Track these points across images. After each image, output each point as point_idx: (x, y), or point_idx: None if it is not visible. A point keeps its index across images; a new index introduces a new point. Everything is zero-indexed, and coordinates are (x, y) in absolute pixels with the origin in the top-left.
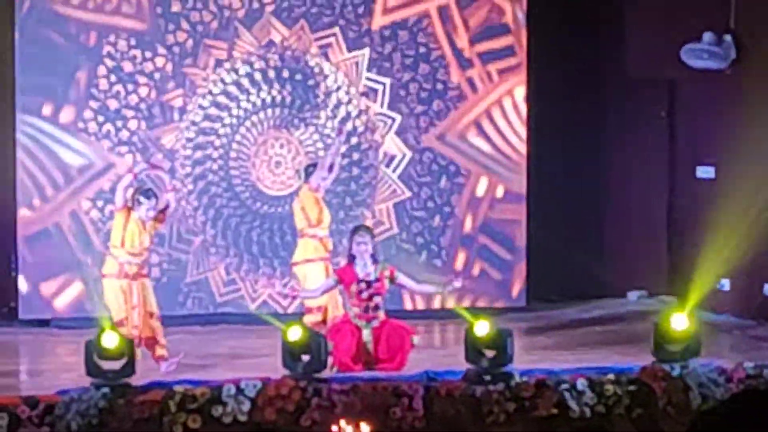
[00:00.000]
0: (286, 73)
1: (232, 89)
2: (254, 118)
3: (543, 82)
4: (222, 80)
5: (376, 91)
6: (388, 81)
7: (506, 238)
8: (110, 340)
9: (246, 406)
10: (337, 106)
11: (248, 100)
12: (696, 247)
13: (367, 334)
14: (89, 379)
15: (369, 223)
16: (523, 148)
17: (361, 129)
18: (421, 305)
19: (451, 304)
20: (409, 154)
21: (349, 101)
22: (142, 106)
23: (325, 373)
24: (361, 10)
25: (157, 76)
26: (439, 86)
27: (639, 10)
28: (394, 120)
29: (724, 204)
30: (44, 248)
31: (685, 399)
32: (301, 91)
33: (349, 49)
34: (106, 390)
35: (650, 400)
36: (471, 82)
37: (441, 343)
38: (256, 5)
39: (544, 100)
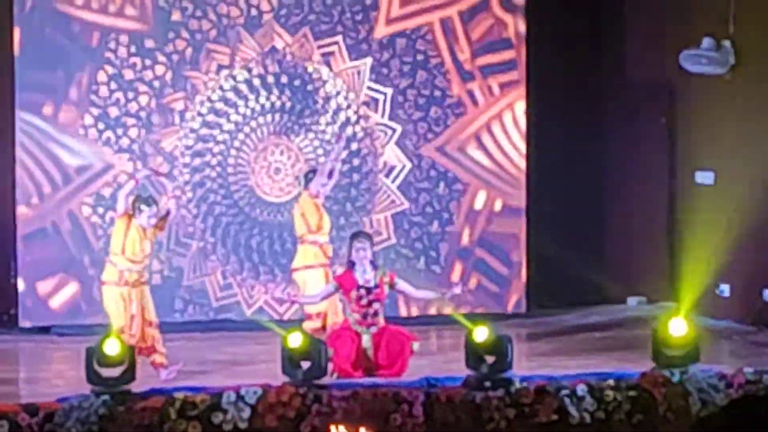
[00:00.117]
0: (286, 80)
1: (233, 95)
2: (253, 123)
3: (543, 92)
4: (221, 87)
5: (377, 100)
6: (389, 91)
7: (503, 252)
8: (112, 347)
9: (246, 413)
10: (337, 114)
11: (247, 106)
12: (695, 253)
13: (366, 340)
14: (89, 387)
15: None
16: (522, 163)
17: (361, 137)
18: (416, 312)
19: (449, 310)
20: (408, 164)
21: (349, 109)
22: (143, 113)
23: (325, 380)
24: (364, 19)
25: (156, 84)
26: (440, 98)
27: (638, 16)
28: (394, 130)
29: (723, 209)
30: (41, 247)
31: (684, 405)
32: (300, 97)
33: (352, 58)
34: (106, 397)
35: (650, 405)
36: (472, 95)
37: (439, 349)
38: (259, 12)
39: (543, 108)
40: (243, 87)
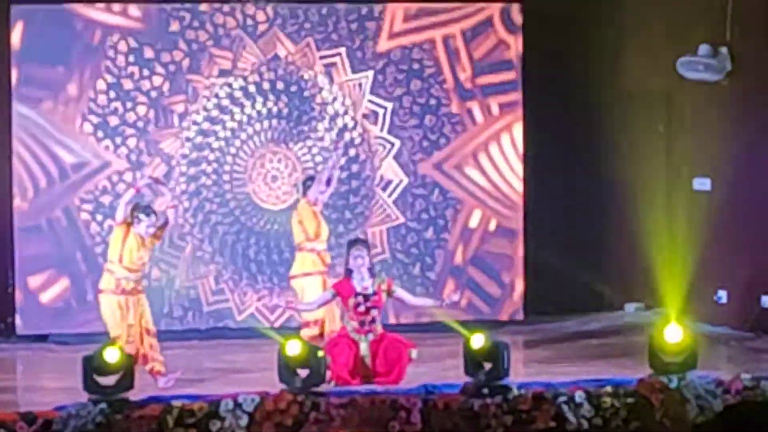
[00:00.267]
0: (284, 87)
1: (233, 100)
2: (249, 130)
3: (540, 101)
4: (216, 95)
5: (377, 114)
6: (389, 105)
7: (495, 272)
8: (111, 356)
9: (244, 420)
10: (335, 123)
11: (243, 112)
12: (693, 259)
13: (364, 348)
14: (87, 395)
15: None
16: (520, 178)
17: (359, 150)
18: (407, 320)
19: (446, 318)
20: (405, 179)
21: (349, 119)
22: (140, 123)
23: (323, 388)
24: (368, 32)
25: (157, 85)
26: (440, 115)
27: (635, 23)
28: (393, 145)
29: (720, 216)
30: (35, 242)
31: (682, 411)
32: (298, 104)
33: (353, 71)
34: (103, 405)
35: (647, 412)
36: (471, 114)
37: (437, 356)
38: (255, 22)
39: (541, 121)
40: (243, 93)
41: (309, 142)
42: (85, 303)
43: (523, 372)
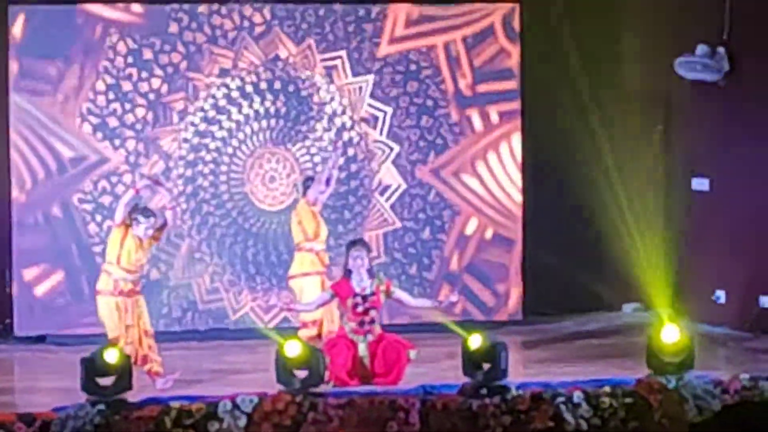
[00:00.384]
0: (287, 88)
1: (231, 100)
2: (247, 129)
3: (538, 103)
4: (214, 96)
5: (376, 118)
6: (389, 110)
7: (490, 280)
8: (111, 357)
9: (242, 421)
10: (334, 123)
11: (240, 112)
12: (691, 260)
13: (363, 349)
14: (85, 396)
15: None
16: (518, 188)
17: (358, 155)
18: (408, 320)
19: (444, 318)
20: (403, 185)
21: (348, 123)
22: (142, 113)
23: (321, 388)
24: (369, 36)
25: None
26: (439, 121)
27: (633, 24)
28: (392, 149)
29: (719, 216)
30: (31, 234)
31: (680, 411)
32: (296, 104)
33: (354, 74)
34: (102, 406)
35: (646, 412)
36: (470, 121)
37: (435, 357)
38: (266, 19)
39: (539, 120)
40: (240, 93)
41: (307, 143)
42: (80, 297)
43: (522, 372)
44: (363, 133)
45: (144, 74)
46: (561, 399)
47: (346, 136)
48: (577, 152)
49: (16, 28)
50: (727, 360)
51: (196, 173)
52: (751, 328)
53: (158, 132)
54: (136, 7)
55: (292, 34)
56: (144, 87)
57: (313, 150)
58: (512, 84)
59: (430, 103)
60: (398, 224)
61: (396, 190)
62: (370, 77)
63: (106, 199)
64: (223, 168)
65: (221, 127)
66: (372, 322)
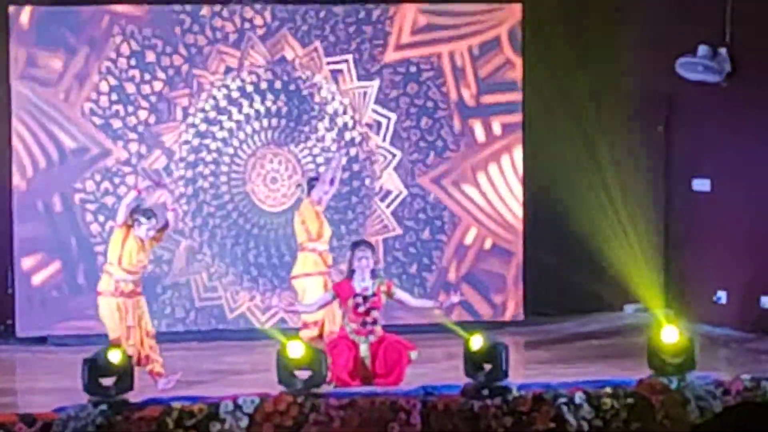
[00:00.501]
0: (288, 88)
1: (232, 100)
2: (248, 129)
3: (538, 103)
4: (213, 96)
5: (380, 123)
6: (393, 116)
7: (489, 291)
8: (114, 357)
9: (244, 422)
10: (336, 123)
11: (240, 112)
12: (692, 260)
13: (364, 349)
14: (86, 397)
15: None
16: (519, 200)
17: (361, 159)
18: (409, 321)
19: (445, 319)
20: (404, 191)
21: (352, 127)
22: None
23: (323, 389)
24: (375, 42)
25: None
26: (442, 130)
27: (634, 24)
28: (394, 156)
29: (720, 216)
30: (30, 223)
31: (682, 412)
32: (298, 104)
33: (359, 79)
34: (103, 407)
35: (648, 413)
36: (472, 132)
37: (434, 358)
38: (273, 19)
39: (539, 122)
40: (241, 93)
41: (310, 143)
42: (77, 288)
43: (523, 373)
44: (365, 134)
45: (147, 76)
46: (562, 400)
47: (348, 136)
48: (579, 153)
49: (23, 17)
50: (728, 361)
51: (196, 174)
52: (753, 329)
53: (161, 128)
54: (143, 6)
55: (300, 36)
56: (148, 88)
57: (316, 150)
58: (516, 96)
59: (433, 111)
60: (398, 230)
61: (397, 196)
62: (376, 83)
63: (109, 200)
64: (224, 168)
65: (222, 128)
66: (373, 322)
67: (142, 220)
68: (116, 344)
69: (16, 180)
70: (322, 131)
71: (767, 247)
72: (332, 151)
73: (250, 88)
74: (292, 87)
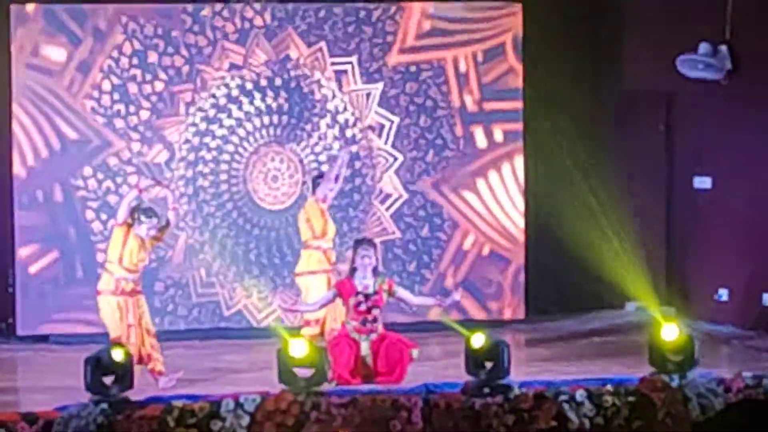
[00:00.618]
0: (289, 85)
1: (233, 99)
2: (249, 126)
3: (539, 102)
4: (214, 95)
5: (382, 126)
6: (395, 119)
7: (485, 298)
8: (117, 356)
9: (245, 420)
10: (338, 121)
11: (240, 109)
12: (693, 258)
13: (365, 348)
14: (87, 395)
15: None
16: (520, 211)
17: (362, 161)
18: (410, 319)
19: (447, 317)
20: (405, 195)
21: (355, 128)
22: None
23: (324, 387)
24: (380, 44)
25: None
26: (443, 135)
27: (635, 22)
28: (395, 159)
29: (721, 214)
30: (29, 213)
31: (684, 410)
32: (299, 101)
33: (363, 81)
34: (104, 406)
35: (649, 411)
36: (473, 138)
37: (435, 356)
38: (252, 25)
39: (538, 117)
40: (241, 91)
41: (311, 141)
42: (74, 279)
43: (524, 371)
44: (368, 140)
45: (148, 76)
46: (564, 398)
47: (349, 133)
48: (581, 153)
49: (29, 6)
50: (730, 358)
51: (196, 174)
52: (755, 326)
53: (163, 122)
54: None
55: (305, 36)
56: (149, 87)
57: (318, 149)
58: (519, 104)
59: (435, 115)
60: (397, 234)
61: (397, 199)
62: (379, 85)
63: (112, 198)
64: (224, 166)
65: (221, 126)
66: (374, 321)
67: (143, 218)
68: (117, 343)
69: (17, 168)
70: (324, 128)
71: None
72: (334, 148)
73: (249, 86)
74: (293, 84)
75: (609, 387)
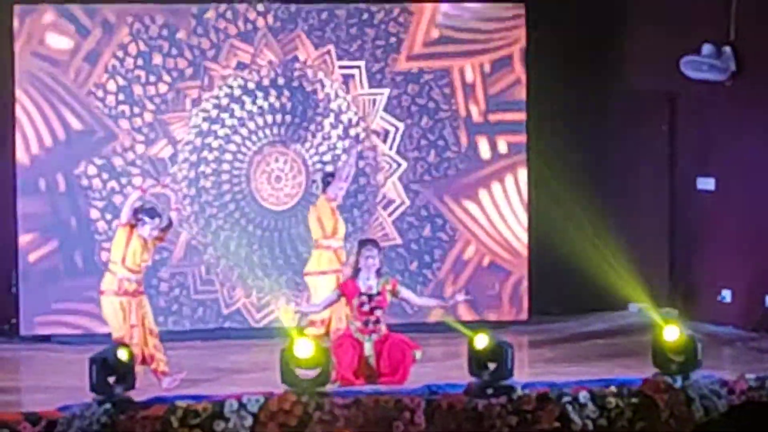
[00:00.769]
0: (291, 85)
1: (235, 98)
2: (251, 125)
3: (543, 103)
4: (217, 96)
5: (387, 132)
6: (401, 126)
7: (482, 309)
8: (123, 356)
9: (248, 421)
10: (341, 120)
11: (244, 109)
12: (696, 259)
13: (368, 348)
14: (91, 395)
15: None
16: (524, 226)
17: (366, 165)
18: (414, 319)
19: (450, 318)
20: (407, 202)
21: (361, 133)
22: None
23: (327, 388)
24: (388, 49)
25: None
26: (447, 144)
27: (639, 23)
28: (399, 165)
29: (724, 215)
30: (30, 201)
31: (687, 411)
32: (302, 100)
33: (370, 86)
34: (108, 406)
35: (652, 412)
36: (477, 148)
37: (438, 357)
38: (255, 27)
39: (543, 117)
40: (243, 91)
41: (315, 141)
42: (74, 270)
43: (527, 372)
44: (372, 146)
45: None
46: (567, 399)
47: (352, 131)
48: (583, 153)
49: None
50: (733, 360)
51: (198, 174)
52: (757, 328)
53: (169, 117)
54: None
55: (314, 38)
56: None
57: (323, 148)
58: (523, 116)
59: (440, 123)
60: (398, 240)
61: (399, 206)
62: (386, 91)
63: (114, 193)
64: (226, 166)
65: (223, 125)
66: (377, 321)
67: (146, 219)
68: (120, 343)
69: (20, 156)
70: (328, 128)
71: None
72: (339, 149)
73: (252, 86)
74: (295, 84)
75: (612, 388)
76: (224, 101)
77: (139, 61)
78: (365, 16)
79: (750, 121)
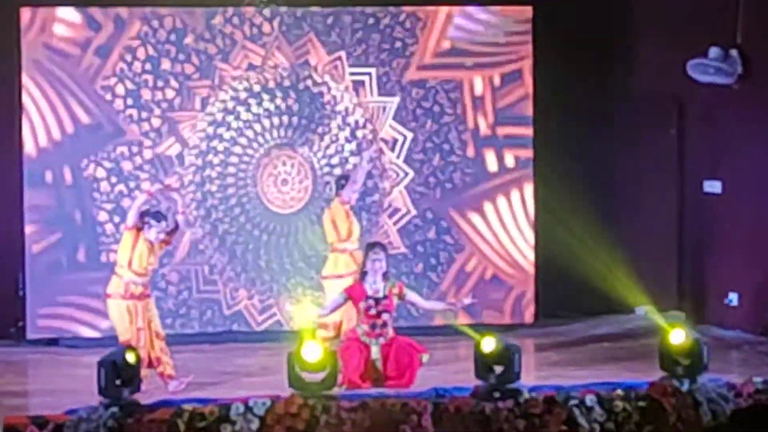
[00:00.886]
0: (297, 87)
1: (241, 101)
2: (257, 127)
3: (551, 103)
4: (221, 99)
5: (396, 140)
6: (409, 135)
7: (490, 312)
8: (131, 359)
9: (255, 424)
10: (348, 122)
11: (250, 110)
12: (703, 262)
13: (375, 352)
14: (98, 399)
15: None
16: (529, 242)
17: (374, 173)
18: (421, 322)
19: (457, 321)
20: (413, 211)
21: (365, 131)
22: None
23: (334, 391)
24: (399, 58)
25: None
26: (455, 155)
27: (646, 27)
28: (406, 174)
29: (731, 218)
30: (38, 194)
31: (694, 415)
32: (310, 102)
33: (380, 93)
34: (114, 409)
35: (660, 416)
36: (485, 161)
37: (445, 360)
38: (260, 32)
39: (550, 129)
40: (249, 94)
41: (323, 143)
42: (76, 264)
43: (534, 375)
44: (381, 154)
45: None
46: (574, 402)
47: (359, 134)
48: (591, 158)
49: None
50: (740, 363)
51: (205, 178)
52: (765, 331)
53: (178, 115)
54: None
55: (326, 43)
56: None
57: (330, 151)
58: (531, 131)
59: (448, 134)
60: (402, 249)
61: (405, 215)
62: (396, 99)
63: (125, 202)
64: (231, 169)
65: (229, 128)
66: (384, 325)
67: (153, 222)
68: (127, 346)
69: (28, 147)
70: (336, 131)
71: None
72: (347, 152)
73: (257, 88)
74: (302, 87)
75: (619, 392)
76: (230, 104)
77: (147, 66)
78: (371, 20)
79: (757, 124)
